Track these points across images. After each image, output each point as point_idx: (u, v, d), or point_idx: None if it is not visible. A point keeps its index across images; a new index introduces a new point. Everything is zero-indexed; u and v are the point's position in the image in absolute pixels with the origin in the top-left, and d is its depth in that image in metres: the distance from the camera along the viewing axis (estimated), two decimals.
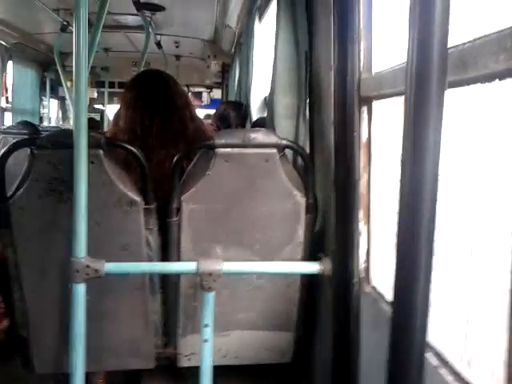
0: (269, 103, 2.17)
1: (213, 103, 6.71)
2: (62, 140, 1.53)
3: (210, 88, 7.10)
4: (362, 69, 1.37)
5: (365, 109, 1.39)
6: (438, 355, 0.92)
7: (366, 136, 1.39)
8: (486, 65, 0.72)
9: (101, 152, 1.54)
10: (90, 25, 2.87)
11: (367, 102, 1.37)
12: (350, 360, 1.37)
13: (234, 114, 3.42)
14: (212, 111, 4.54)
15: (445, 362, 0.92)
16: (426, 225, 0.65)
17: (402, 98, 1.17)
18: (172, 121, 1.90)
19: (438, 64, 0.62)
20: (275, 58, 2.09)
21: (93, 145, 1.51)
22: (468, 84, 0.81)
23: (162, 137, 1.87)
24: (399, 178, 0.68)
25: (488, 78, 0.73)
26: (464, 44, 0.81)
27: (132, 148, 1.61)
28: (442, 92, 0.63)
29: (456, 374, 0.88)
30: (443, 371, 0.90)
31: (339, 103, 1.39)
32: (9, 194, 1.58)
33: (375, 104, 1.37)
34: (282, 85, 2.02)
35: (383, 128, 1.36)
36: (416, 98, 0.64)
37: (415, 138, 0.64)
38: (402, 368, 0.70)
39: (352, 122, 1.36)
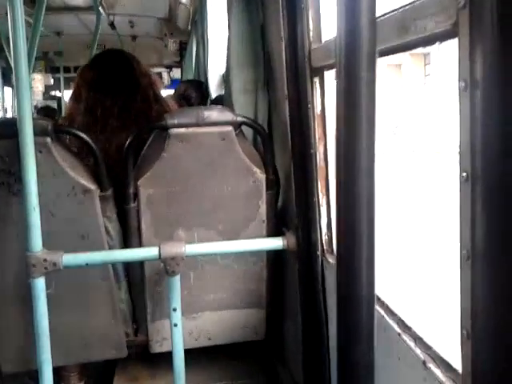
0: (226, 79, 2.12)
1: (173, 83, 6.56)
2: (7, 130, 1.45)
3: (169, 68, 6.93)
4: (311, 39, 1.34)
5: (317, 80, 1.36)
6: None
7: (320, 108, 1.37)
8: (424, 28, 0.70)
9: (48, 140, 1.47)
10: (33, 6, 2.74)
11: (319, 72, 1.35)
12: (320, 330, 1.38)
13: (196, 94, 3.34)
14: (171, 91, 4.44)
15: (392, 313, 0.93)
16: (364, 181, 0.64)
17: None
18: (135, 101, 1.82)
19: (368, 34, 0.59)
20: (230, 33, 2.03)
21: (39, 132, 1.44)
22: (410, 48, 0.79)
23: (124, 118, 1.79)
24: (335, 147, 0.67)
25: (428, 40, 0.72)
26: (405, 7, 0.80)
27: (81, 134, 1.55)
28: (372, 62, 0.60)
29: (417, 339, 0.89)
30: (391, 321, 0.91)
31: (291, 76, 1.37)
32: None
33: (327, 74, 1.34)
34: (239, 60, 1.97)
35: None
36: (346, 70, 0.61)
37: (349, 108, 0.62)
38: (351, 323, 0.69)
39: (305, 94, 1.34)
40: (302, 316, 1.45)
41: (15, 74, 1.37)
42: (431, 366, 0.81)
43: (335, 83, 0.64)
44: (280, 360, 1.85)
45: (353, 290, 0.67)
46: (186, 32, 5.08)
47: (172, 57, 6.39)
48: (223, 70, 3.10)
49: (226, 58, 2.09)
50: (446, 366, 0.80)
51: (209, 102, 3.26)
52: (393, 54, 0.82)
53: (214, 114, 1.53)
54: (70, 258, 1.46)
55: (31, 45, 2.50)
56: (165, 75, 6.97)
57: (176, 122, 1.52)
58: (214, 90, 3.13)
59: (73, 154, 1.57)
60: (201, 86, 3.45)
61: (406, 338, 0.91)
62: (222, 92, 3.13)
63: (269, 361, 1.91)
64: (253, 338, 1.82)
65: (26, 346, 1.66)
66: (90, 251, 1.55)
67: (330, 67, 1.30)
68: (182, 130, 1.52)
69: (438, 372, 0.80)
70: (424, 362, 0.83)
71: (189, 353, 1.59)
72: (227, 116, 1.54)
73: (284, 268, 1.76)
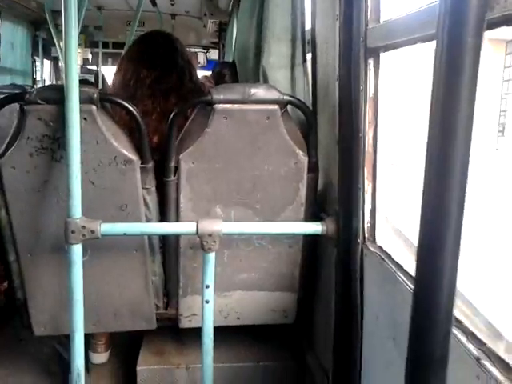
0: (261, 53, 2.05)
1: (209, 64, 6.53)
2: (53, 95, 1.46)
3: (206, 48, 6.90)
4: (369, 18, 1.29)
5: (371, 61, 1.32)
6: (465, 330, 0.87)
7: (373, 91, 1.33)
8: None
9: (94, 108, 1.47)
10: None
11: (374, 53, 1.30)
12: (353, 320, 1.36)
13: (230, 73, 3.34)
14: (208, 73, 4.43)
15: (473, 336, 0.87)
16: (457, 191, 0.59)
17: (415, 47, 1.12)
18: (169, 76, 1.82)
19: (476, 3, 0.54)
20: (269, 4, 1.98)
21: (85, 100, 1.44)
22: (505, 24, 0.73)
23: (153, 88, 1.80)
24: (427, 136, 0.62)
25: None
26: None
27: (127, 104, 1.54)
28: (480, 34, 0.55)
29: (483, 349, 0.84)
30: (470, 346, 0.85)
31: (344, 56, 1.32)
32: None
33: (383, 56, 1.30)
34: (276, 31, 1.92)
35: (392, 81, 1.29)
36: (449, 41, 0.57)
37: (447, 87, 0.58)
38: (427, 345, 0.66)
39: (358, 75, 1.29)
40: (336, 304, 1.42)
41: (65, 43, 1.37)
42: (486, 363, 0.78)
43: (434, 51, 0.60)
44: (309, 346, 1.84)
45: (430, 313, 0.64)
46: (226, 12, 5.03)
47: (210, 37, 6.36)
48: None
49: (262, 30, 2.03)
50: (503, 365, 0.76)
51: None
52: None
53: (260, 91, 1.50)
54: (108, 227, 1.47)
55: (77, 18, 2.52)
56: (201, 55, 6.95)
57: (222, 97, 1.49)
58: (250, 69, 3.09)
59: (116, 124, 1.57)
60: (234, 66, 3.44)
61: (456, 332, 0.87)
62: None
63: (297, 345, 1.90)
64: (282, 321, 1.80)
65: (58, 311, 1.69)
66: (127, 222, 1.55)
67: (387, 48, 1.26)
68: (227, 105, 1.50)
69: (494, 370, 0.76)
70: (478, 359, 0.79)
71: (217, 330, 1.59)
72: (274, 94, 1.51)
73: (319, 253, 1.73)
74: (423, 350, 0.68)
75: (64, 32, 1.37)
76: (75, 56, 1.40)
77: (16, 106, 1.57)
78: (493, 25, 0.67)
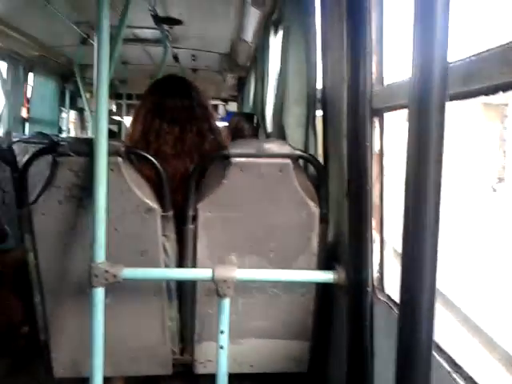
0: (278, 113, 2.20)
1: (228, 116, 6.78)
2: (83, 148, 1.58)
3: (225, 101, 7.18)
4: (373, 81, 1.41)
5: (376, 120, 1.42)
6: (445, 354, 0.94)
7: (378, 147, 1.42)
8: (490, 77, 0.75)
9: (120, 160, 1.59)
10: (110, 38, 2.96)
11: (379, 113, 1.40)
12: (365, 369, 1.38)
13: (248, 125, 3.49)
14: (225, 124, 4.61)
15: (452, 363, 0.93)
16: (431, 227, 0.68)
17: None
18: (190, 132, 1.89)
19: (439, 78, 0.65)
20: (285, 69, 2.13)
21: (112, 152, 1.56)
22: (474, 96, 0.84)
23: (177, 148, 1.87)
24: (404, 186, 0.72)
25: (492, 89, 0.76)
26: (470, 57, 0.85)
27: (151, 157, 1.66)
28: (442, 106, 0.66)
29: (463, 374, 0.90)
30: (450, 370, 0.92)
31: (352, 115, 1.43)
32: (31, 199, 1.64)
33: (386, 116, 1.40)
34: (294, 96, 2.06)
35: (394, 139, 1.39)
36: (419, 111, 0.67)
37: (419, 147, 0.68)
38: (410, 368, 0.72)
39: (364, 133, 1.39)
40: (347, 352, 1.45)
41: (97, 98, 1.51)
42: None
43: (407, 121, 0.70)
44: None
45: (413, 336, 0.70)
46: (244, 68, 5.28)
47: (229, 90, 6.64)
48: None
49: (279, 93, 2.17)
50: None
51: (263, 134, 3.37)
52: (460, 99, 0.86)
53: (273, 146, 1.61)
54: (129, 272, 1.55)
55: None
56: (221, 107, 7.22)
57: (238, 151, 1.60)
58: (271, 124, 3.23)
59: (140, 175, 1.68)
60: (252, 118, 3.60)
61: (456, 376, 0.92)
62: None
63: None
64: (295, 369, 1.82)
65: (79, 353, 1.75)
66: (147, 267, 1.64)
67: (390, 109, 1.36)
68: (243, 159, 1.61)
69: None
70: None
71: (232, 377, 1.62)
72: (286, 149, 1.62)
73: (332, 302, 1.78)
74: (409, 364, 0.73)
75: (96, 91, 1.51)
76: (105, 112, 1.54)
77: (46, 156, 1.70)
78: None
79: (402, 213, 0.72)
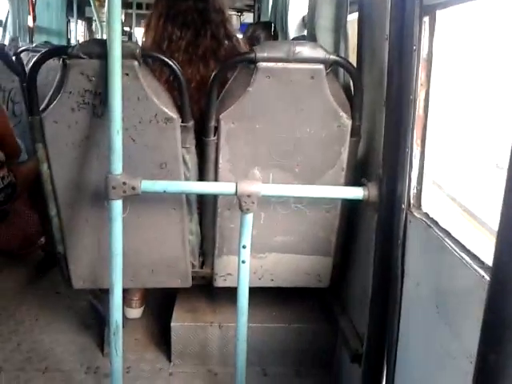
0: (308, 17, 2.02)
1: (242, 27, 6.41)
2: (96, 49, 1.44)
3: (240, 11, 6.77)
4: None
5: (426, 20, 1.25)
6: None
7: (427, 51, 1.27)
8: None
9: (136, 63, 1.46)
10: None
11: (431, 11, 1.23)
12: (392, 286, 1.34)
13: (264, 34, 3.27)
14: (240, 36, 4.36)
15: None
16: None
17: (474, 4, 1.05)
18: (204, 37, 1.75)
19: None
20: None
21: (127, 55, 1.42)
22: None
23: (190, 53, 1.74)
24: None
25: None
26: None
27: (169, 60, 1.52)
28: None
29: None
30: None
31: (396, 14, 1.26)
32: (42, 107, 1.53)
33: (439, 14, 1.23)
34: None
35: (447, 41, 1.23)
36: None
37: None
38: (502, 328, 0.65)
39: (411, 34, 1.23)
40: (374, 269, 1.40)
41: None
42: None
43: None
44: (342, 310, 1.83)
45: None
46: None
47: (244, 0, 6.23)
48: (304, 12, 2.99)
49: None
50: None
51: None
52: None
53: (305, 49, 1.45)
54: (148, 184, 1.47)
55: None
56: (234, 18, 6.83)
57: (266, 55, 1.45)
58: (294, 31, 3.02)
59: (158, 81, 1.55)
60: (269, 26, 3.37)
61: None
62: (302, 33, 3.02)
63: (330, 310, 1.90)
64: (316, 284, 1.80)
65: (97, 265, 1.73)
66: (166, 180, 1.56)
67: (444, 5, 1.19)
68: (271, 64, 1.46)
69: None
70: None
71: (251, 291, 1.60)
72: (319, 53, 1.46)
73: (358, 219, 1.71)
74: (502, 313, 0.65)
75: None
76: (118, 11, 1.38)
77: (52, 63, 1.57)
78: None
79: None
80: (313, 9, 1.83)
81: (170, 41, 1.74)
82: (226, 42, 1.79)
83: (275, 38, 3.27)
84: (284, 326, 1.87)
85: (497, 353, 0.67)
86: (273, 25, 3.39)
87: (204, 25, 1.76)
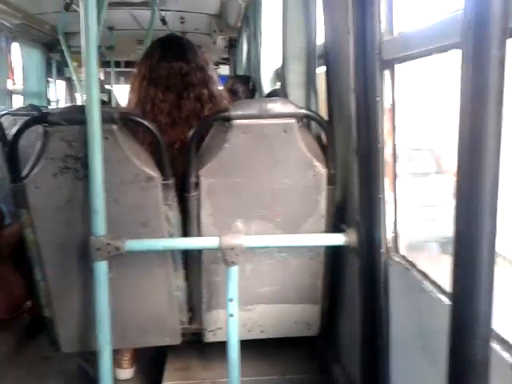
0: (280, 73, 2.12)
1: (221, 80, 6.59)
2: (75, 116, 1.50)
3: (217, 64, 6.99)
4: (383, 31, 1.31)
5: (387, 73, 1.34)
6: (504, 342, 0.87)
7: (390, 101, 1.34)
8: None
9: (115, 127, 1.51)
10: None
11: (389, 65, 1.32)
12: (380, 331, 1.36)
13: (243, 88, 3.38)
14: (220, 88, 4.49)
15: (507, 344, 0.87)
16: (489, 205, 0.61)
17: (429, 59, 1.13)
18: (187, 99, 1.78)
19: (500, 11, 0.56)
20: (284, 27, 2.03)
21: (106, 120, 1.47)
22: None
23: (173, 115, 1.77)
24: (457, 148, 0.63)
25: None
26: None
27: (146, 122, 1.57)
28: (503, 43, 0.57)
29: None
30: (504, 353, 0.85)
31: (359, 68, 1.34)
32: (24, 173, 1.56)
33: (398, 67, 1.32)
34: (294, 53, 1.96)
35: (407, 92, 1.31)
36: (474, 50, 0.58)
37: (473, 96, 0.59)
38: (465, 358, 0.67)
39: (374, 87, 1.31)
40: (361, 314, 1.42)
41: (86, 65, 1.42)
42: None
43: (460, 61, 0.61)
44: (334, 358, 1.83)
45: (468, 325, 0.65)
46: (235, 29, 5.11)
47: (220, 53, 6.45)
48: (276, 65, 3.12)
49: (282, 53, 2.08)
50: None
51: (258, 96, 3.28)
52: None
53: (276, 106, 1.53)
54: (132, 244, 1.50)
55: None
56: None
57: (239, 113, 1.52)
58: (267, 85, 3.14)
59: (137, 142, 1.60)
60: (248, 80, 3.49)
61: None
62: (275, 87, 3.14)
63: (322, 358, 1.89)
64: (306, 333, 1.81)
65: (85, 328, 1.72)
66: (150, 238, 1.58)
67: (402, 60, 1.27)
68: (245, 121, 1.52)
69: None
70: None
71: (242, 344, 1.60)
72: (290, 108, 1.54)
73: (341, 264, 1.74)
74: (464, 355, 0.68)
75: (84, 55, 1.41)
76: (95, 77, 1.45)
77: (38, 127, 1.61)
78: None
79: (455, 178, 0.64)
80: (284, 65, 1.93)
81: (153, 103, 1.78)
82: (210, 103, 1.81)
83: (253, 91, 3.38)
84: (277, 378, 1.85)
85: None
86: (251, 79, 3.51)
87: (186, 88, 1.79)
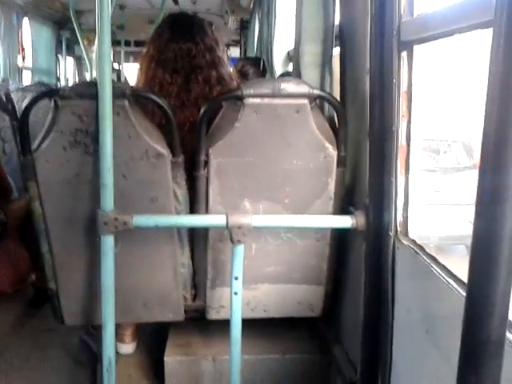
0: (294, 54, 2.09)
1: (231, 62, 6.54)
2: (87, 90, 1.49)
3: (227, 46, 6.93)
4: (402, 12, 1.29)
5: (405, 54, 1.31)
6: None
7: (406, 84, 1.32)
8: None
9: (126, 103, 1.50)
10: None
11: (408, 46, 1.30)
12: (383, 313, 1.36)
13: (253, 69, 3.35)
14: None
15: None
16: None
17: (449, 40, 1.11)
18: (196, 82, 1.77)
19: None
20: (300, 7, 1.99)
21: (118, 95, 1.47)
22: None
23: (182, 98, 1.76)
24: (481, 140, 0.61)
25: None
26: None
27: (158, 99, 1.56)
28: None
29: None
30: None
31: (376, 49, 1.32)
32: (33, 146, 1.56)
33: (417, 49, 1.29)
34: (309, 33, 1.93)
35: (426, 74, 1.29)
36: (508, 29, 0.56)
37: (503, 81, 0.57)
38: (480, 338, 0.67)
39: (390, 68, 1.29)
40: (365, 297, 1.42)
41: (99, 41, 1.41)
42: None
43: (490, 42, 0.59)
44: (335, 339, 1.84)
45: (485, 307, 0.64)
46: (247, 10, 5.05)
47: (231, 35, 6.38)
48: (289, 47, 3.08)
49: (294, 33, 2.05)
50: None
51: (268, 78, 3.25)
52: None
53: (290, 85, 1.51)
54: (140, 219, 1.49)
55: None
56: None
57: (252, 91, 1.50)
58: (279, 67, 3.10)
59: (148, 119, 1.59)
60: (258, 62, 3.45)
61: None
62: (287, 68, 3.11)
63: (324, 339, 1.90)
64: (309, 314, 1.81)
65: (89, 301, 1.73)
66: (157, 214, 1.58)
67: (421, 41, 1.25)
68: (257, 100, 1.51)
69: None
70: None
71: (244, 322, 1.61)
72: (303, 88, 1.52)
73: (348, 247, 1.74)
74: (479, 336, 0.68)
75: (98, 29, 1.40)
76: (108, 53, 1.44)
77: (45, 103, 1.61)
78: None
79: (478, 173, 0.63)
80: (298, 45, 1.90)
81: (161, 86, 1.77)
82: (219, 85, 1.79)
83: (264, 73, 3.35)
84: (278, 357, 1.87)
85: (476, 375, 0.69)
86: (262, 61, 3.48)
87: (194, 70, 1.78)
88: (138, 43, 6.77)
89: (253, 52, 4.51)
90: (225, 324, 1.63)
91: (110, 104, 1.43)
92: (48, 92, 1.58)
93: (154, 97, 1.58)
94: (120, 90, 1.48)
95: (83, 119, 1.51)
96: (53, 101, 1.53)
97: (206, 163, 1.58)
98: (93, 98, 1.46)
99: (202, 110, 1.56)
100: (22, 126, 1.57)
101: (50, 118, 1.55)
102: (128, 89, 1.51)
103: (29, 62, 5.14)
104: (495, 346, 0.67)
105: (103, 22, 1.39)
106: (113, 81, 1.45)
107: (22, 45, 4.93)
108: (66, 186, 1.59)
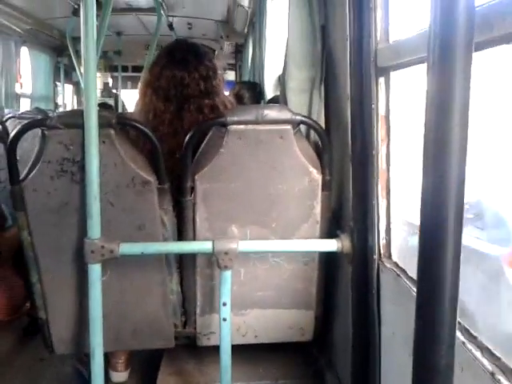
0: (281, 78, 2.12)
1: (227, 85, 6.62)
2: (73, 120, 1.51)
3: (223, 70, 7.02)
4: (378, 38, 1.32)
5: (382, 80, 1.34)
6: (480, 345, 0.87)
7: (384, 109, 1.35)
8: None
9: (112, 131, 1.52)
10: (100, 8, 2.85)
11: (385, 72, 1.32)
12: (371, 337, 1.35)
13: (249, 94, 3.39)
14: (226, 93, 4.51)
15: (487, 351, 0.87)
16: (454, 196, 0.61)
17: (423, 66, 1.13)
18: (188, 110, 1.78)
19: (465, 26, 0.57)
20: (289, 33, 2.03)
21: (104, 124, 1.49)
22: (494, 45, 0.76)
23: (175, 125, 1.78)
24: (422, 151, 0.64)
25: None
26: (490, 2, 0.76)
27: (142, 127, 1.58)
28: (469, 56, 0.57)
29: (484, 349, 0.85)
30: (484, 361, 0.85)
31: (355, 75, 1.35)
32: (21, 176, 1.57)
33: (393, 75, 1.32)
34: (296, 59, 1.96)
35: (402, 99, 1.31)
36: (440, 63, 0.59)
37: (440, 106, 0.59)
38: (432, 346, 0.67)
39: (369, 94, 1.31)
40: (353, 320, 1.42)
41: (85, 70, 1.44)
42: (500, 378, 0.77)
43: (426, 75, 0.62)
44: (327, 363, 1.82)
45: (434, 323, 0.65)
46: (242, 34, 5.14)
47: (226, 59, 6.48)
48: (280, 71, 3.12)
49: (283, 58, 2.08)
50: None
51: (262, 102, 3.28)
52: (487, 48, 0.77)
53: (273, 112, 1.53)
54: (126, 247, 1.50)
55: (96, 44, 2.60)
56: None
57: (235, 118, 1.53)
58: (271, 91, 3.14)
59: (134, 147, 1.61)
60: (255, 86, 3.49)
61: (471, 347, 0.87)
62: (277, 93, 3.14)
63: (315, 363, 1.89)
64: (300, 338, 1.80)
65: (79, 329, 1.72)
66: (145, 241, 1.58)
67: (396, 67, 1.28)
68: (241, 126, 1.53)
69: None
70: (492, 374, 0.79)
71: (235, 348, 1.60)
72: (286, 115, 1.54)
73: (335, 270, 1.73)
74: (428, 361, 0.68)
75: (83, 59, 1.43)
76: (94, 82, 1.46)
77: (38, 130, 1.63)
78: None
79: (420, 188, 0.65)
80: (285, 70, 1.93)
81: (155, 113, 1.79)
82: (211, 114, 1.78)
83: (261, 97, 3.38)
84: (270, 383, 1.85)
85: None
86: (257, 86, 3.51)
87: (187, 99, 1.79)
88: (135, 68, 6.88)
89: (247, 75, 4.58)
90: (217, 350, 1.61)
91: (96, 133, 1.45)
92: (35, 122, 1.61)
93: (138, 125, 1.60)
94: (106, 119, 1.50)
95: (70, 148, 1.53)
96: (40, 131, 1.55)
97: (193, 189, 1.60)
98: (79, 127, 1.48)
99: (188, 137, 1.58)
100: (9, 155, 1.59)
101: (37, 148, 1.57)
102: (114, 118, 1.53)
103: (27, 89, 5.22)
104: (444, 371, 0.68)
105: (88, 51, 1.42)
106: (108, 107, 1.47)
107: (19, 72, 5.01)
108: (54, 214, 1.60)
